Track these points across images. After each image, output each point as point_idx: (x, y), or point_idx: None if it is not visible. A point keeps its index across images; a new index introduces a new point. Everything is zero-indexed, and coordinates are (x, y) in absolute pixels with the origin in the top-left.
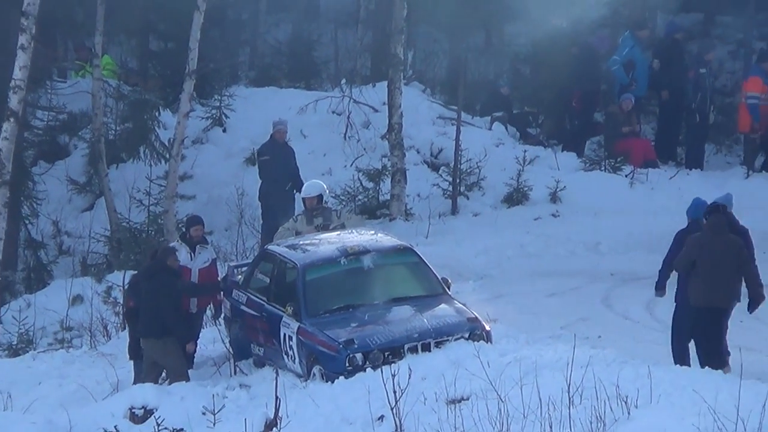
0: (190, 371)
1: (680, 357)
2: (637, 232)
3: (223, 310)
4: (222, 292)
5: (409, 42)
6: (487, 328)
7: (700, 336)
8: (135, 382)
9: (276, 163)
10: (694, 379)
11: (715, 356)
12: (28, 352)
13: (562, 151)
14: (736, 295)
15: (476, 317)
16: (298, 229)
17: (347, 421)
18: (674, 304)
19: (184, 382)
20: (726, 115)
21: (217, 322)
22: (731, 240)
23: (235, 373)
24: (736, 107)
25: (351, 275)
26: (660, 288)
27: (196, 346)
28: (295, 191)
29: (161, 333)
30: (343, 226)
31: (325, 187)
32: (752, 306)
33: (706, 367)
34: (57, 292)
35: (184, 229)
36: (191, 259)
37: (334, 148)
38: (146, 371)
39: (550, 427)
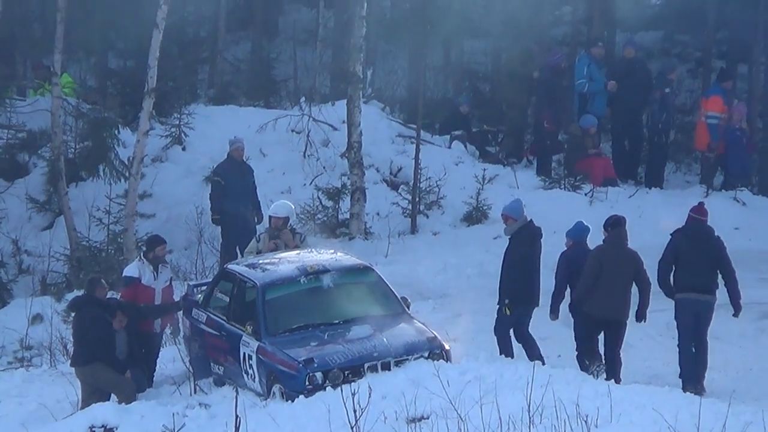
0: (150, 390)
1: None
2: None
3: (182, 329)
4: (182, 311)
5: (368, 60)
6: (447, 347)
7: (582, 339)
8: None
9: (234, 182)
10: (654, 397)
11: (615, 365)
12: None
13: (536, 172)
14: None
15: (436, 336)
16: (260, 248)
17: None
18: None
19: (141, 400)
20: (685, 133)
21: (176, 341)
22: (632, 253)
23: (195, 392)
24: (695, 125)
25: (311, 294)
26: (554, 311)
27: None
28: (252, 208)
29: (89, 360)
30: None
31: (293, 209)
32: (641, 315)
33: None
34: (16, 311)
35: (144, 249)
36: (155, 279)
37: (294, 167)
38: (84, 399)
39: None
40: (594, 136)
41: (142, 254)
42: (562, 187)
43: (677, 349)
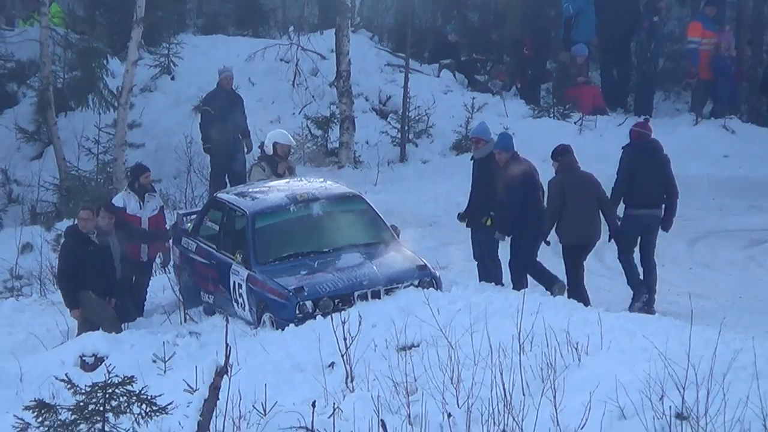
0: (140, 319)
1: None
2: None
3: (172, 257)
4: (171, 240)
5: None
6: (437, 275)
7: (571, 271)
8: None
9: (223, 111)
10: (644, 325)
11: (579, 289)
12: None
13: (521, 98)
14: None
15: (426, 264)
16: (267, 175)
17: (298, 368)
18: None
19: (131, 330)
20: (674, 61)
21: (166, 270)
22: (588, 175)
23: (185, 320)
24: (683, 54)
25: (300, 223)
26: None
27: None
28: (242, 137)
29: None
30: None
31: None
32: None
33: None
34: (6, 241)
35: (131, 178)
36: (140, 208)
37: (283, 96)
38: (78, 328)
39: (501, 374)
40: (582, 65)
41: (127, 184)
42: (551, 115)
43: (621, 270)
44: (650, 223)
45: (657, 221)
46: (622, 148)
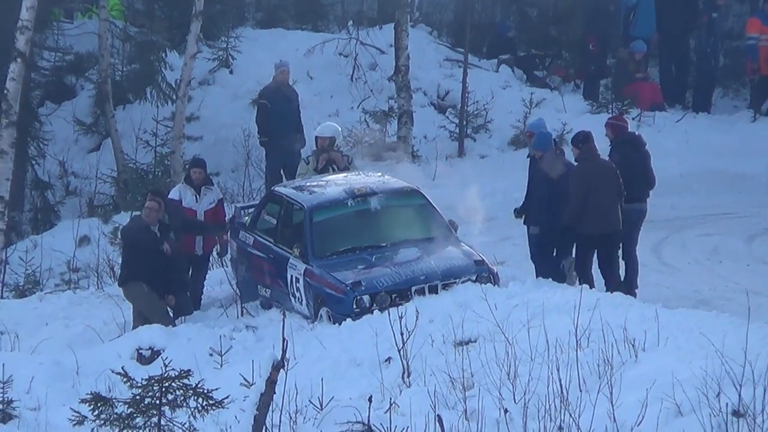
0: (197, 313)
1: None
2: None
3: (229, 251)
4: (229, 233)
5: None
6: (495, 270)
7: (581, 261)
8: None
9: (279, 105)
10: (702, 321)
11: (614, 277)
12: (34, 293)
13: (583, 96)
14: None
15: (483, 260)
16: (310, 169)
17: (355, 363)
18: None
19: (188, 323)
20: (733, 58)
21: (223, 261)
22: (609, 163)
23: (242, 314)
24: (743, 51)
25: (358, 217)
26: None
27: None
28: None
29: (127, 278)
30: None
31: (340, 130)
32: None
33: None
34: (64, 233)
35: (187, 171)
36: (196, 201)
37: (341, 90)
38: (134, 320)
39: (558, 370)
40: (640, 61)
41: (183, 177)
42: (610, 111)
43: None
44: (637, 219)
45: (642, 216)
46: (611, 144)
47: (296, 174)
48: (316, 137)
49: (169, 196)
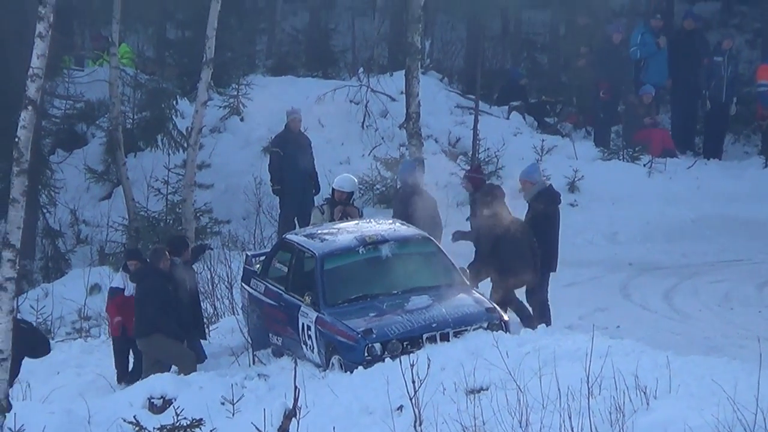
0: (209, 361)
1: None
2: (655, 222)
3: (241, 299)
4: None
5: (426, 31)
6: (506, 318)
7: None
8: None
9: (292, 153)
10: (713, 368)
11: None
12: None
13: (594, 143)
14: None
15: (494, 307)
16: (325, 219)
17: (366, 411)
18: None
19: (200, 372)
20: (744, 104)
21: (234, 312)
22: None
23: (253, 362)
24: (754, 97)
25: (369, 264)
26: None
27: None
28: (310, 179)
29: (150, 331)
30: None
31: (357, 183)
32: None
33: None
34: (75, 281)
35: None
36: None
37: (352, 137)
38: (146, 370)
39: (570, 418)
40: (650, 105)
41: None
42: (621, 158)
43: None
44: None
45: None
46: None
47: (310, 223)
48: (334, 189)
49: (111, 285)
